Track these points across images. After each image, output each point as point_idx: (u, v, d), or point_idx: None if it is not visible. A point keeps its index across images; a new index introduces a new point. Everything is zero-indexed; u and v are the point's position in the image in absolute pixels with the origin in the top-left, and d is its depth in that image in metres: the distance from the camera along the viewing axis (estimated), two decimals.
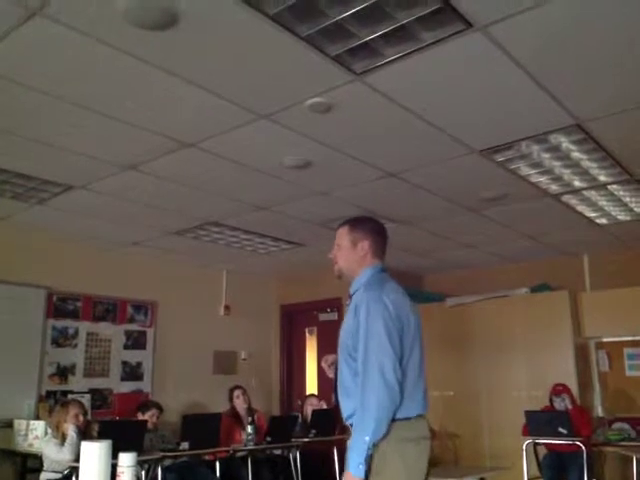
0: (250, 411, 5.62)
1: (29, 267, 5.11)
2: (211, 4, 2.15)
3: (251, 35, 2.35)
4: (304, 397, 6.35)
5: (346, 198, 4.41)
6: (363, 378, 2.03)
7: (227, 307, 6.69)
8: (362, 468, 1.95)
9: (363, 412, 2.00)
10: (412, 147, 3.52)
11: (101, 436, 3.82)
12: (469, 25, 2.28)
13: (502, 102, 2.95)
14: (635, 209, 4.67)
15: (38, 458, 4.29)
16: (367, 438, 1.97)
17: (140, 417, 4.94)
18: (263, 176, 3.93)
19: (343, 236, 2.34)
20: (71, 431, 4.14)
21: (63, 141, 3.34)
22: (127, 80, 2.70)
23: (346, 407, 2.15)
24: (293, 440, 5.33)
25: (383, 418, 1.99)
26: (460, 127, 3.25)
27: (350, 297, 2.26)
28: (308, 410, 5.91)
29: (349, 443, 2.02)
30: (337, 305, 6.80)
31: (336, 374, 2.25)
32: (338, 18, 2.23)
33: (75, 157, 3.55)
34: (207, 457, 4.90)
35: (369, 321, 2.06)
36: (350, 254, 2.30)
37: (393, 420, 2.02)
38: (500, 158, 3.68)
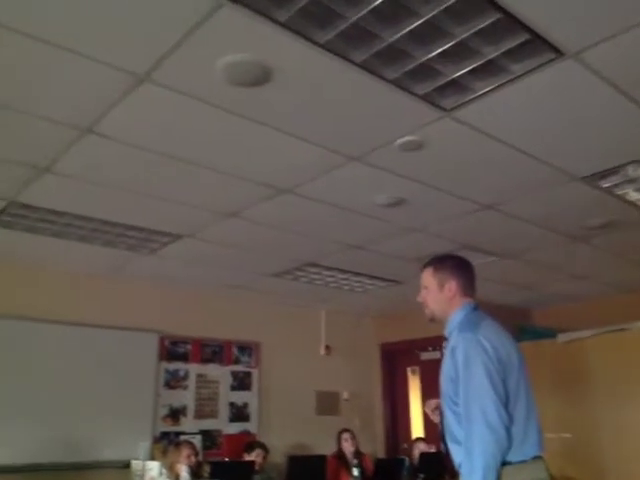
0: (357, 455, 5.54)
1: (142, 313, 5.44)
2: (301, 57, 2.26)
3: (340, 82, 2.44)
4: (411, 441, 6.18)
5: (442, 233, 4.36)
6: (467, 425, 1.97)
7: (327, 347, 6.72)
8: None
9: (470, 461, 1.93)
10: (509, 178, 3.43)
11: (212, 477, 3.93)
12: (560, 53, 2.23)
13: (602, 127, 2.83)
14: None
15: None
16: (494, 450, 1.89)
17: (246, 457, 5.03)
18: (357, 216, 3.98)
19: (429, 278, 2.30)
20: (184, 472, 4.28)
21: (171, 194, 3.58)
22: (226, 134, 2.87)
23: (456, 453, 2.08)
24: None
25: (491, 466, 1.90)
26: (559, 155, 3.14)
27: (446, 339, 2.21)
28: (416, 453, 5.73)
29: None
30: (439, 343, 6.59)
31: (442, 420, 2.18)
32: (424, 59, 2.26)
33: (182, 208, 3.79)
34: None
35: (468, 366, 2.00)
36: (438, 296, 2.27)
37: (508, 464, 1.93)
38: (605, 184, 3.49)
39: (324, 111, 2.67)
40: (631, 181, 3.44)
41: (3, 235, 4.20)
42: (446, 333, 2.24)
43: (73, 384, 4.95)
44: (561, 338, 6.19)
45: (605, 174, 3.36)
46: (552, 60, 2.27)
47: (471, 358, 2.00)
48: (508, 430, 1.94)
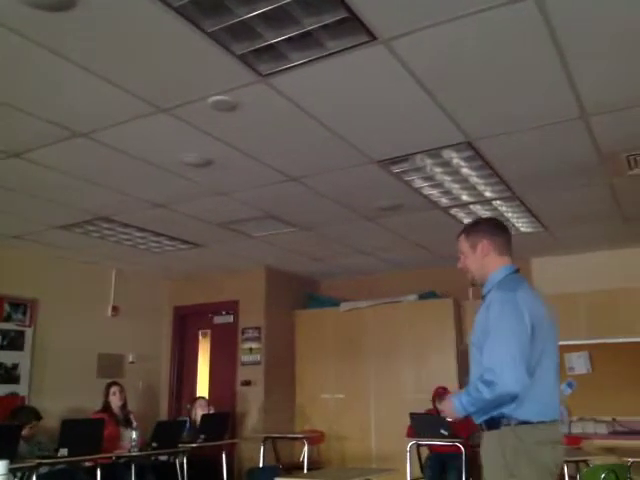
0: (124, 410, 5.45)
1: None
2: None
3: (153, 25, 2.28)
4: (193, 401, 6.20)
5: (247, 200, 4.39)
6: (486, 369, 2.07)
7: (115, 308, 6.40)
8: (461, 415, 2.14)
9: (494, 382, 2.03)
10: (314, 153, 3.56)
11: None
12: (373, 37, 2.35)
13: (400, 115, 3.07)
14: (516, 224, 5.02)
15: None
16: (486, 397, 2.04)
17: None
18: (161, 172, 3.81)
19: (463, 243, 2.38)
20: None
21: None
22: (18, 61, 2.52)
23: None
24: (180, 445, 5.20)
25: (491, 405, 2.08)
26: (360, 137, 3.34)
27: (483, 298, 2.28)
28: (197, 414, 5.78)
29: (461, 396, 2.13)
30: (234, 308, 6.72)
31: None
32: (244, 17, 2.22)
33: None
34: (87, 463, 4.66)
35: (501, 320, 2.09)
36: (472, 257, 2.34)
37: (527, 423, 2.07)
38: (396, 169, 3.81)
39: (132, 52, 2.48)
40: (418, 169, 3.81)
41: None
42: (484, 291, 2.29)
43: None
44: (342, 307, 6.72)
45: (397, 160, 3.66)
46: (364, 43, 2.38)
47: (505, 315, 2.09)
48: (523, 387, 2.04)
